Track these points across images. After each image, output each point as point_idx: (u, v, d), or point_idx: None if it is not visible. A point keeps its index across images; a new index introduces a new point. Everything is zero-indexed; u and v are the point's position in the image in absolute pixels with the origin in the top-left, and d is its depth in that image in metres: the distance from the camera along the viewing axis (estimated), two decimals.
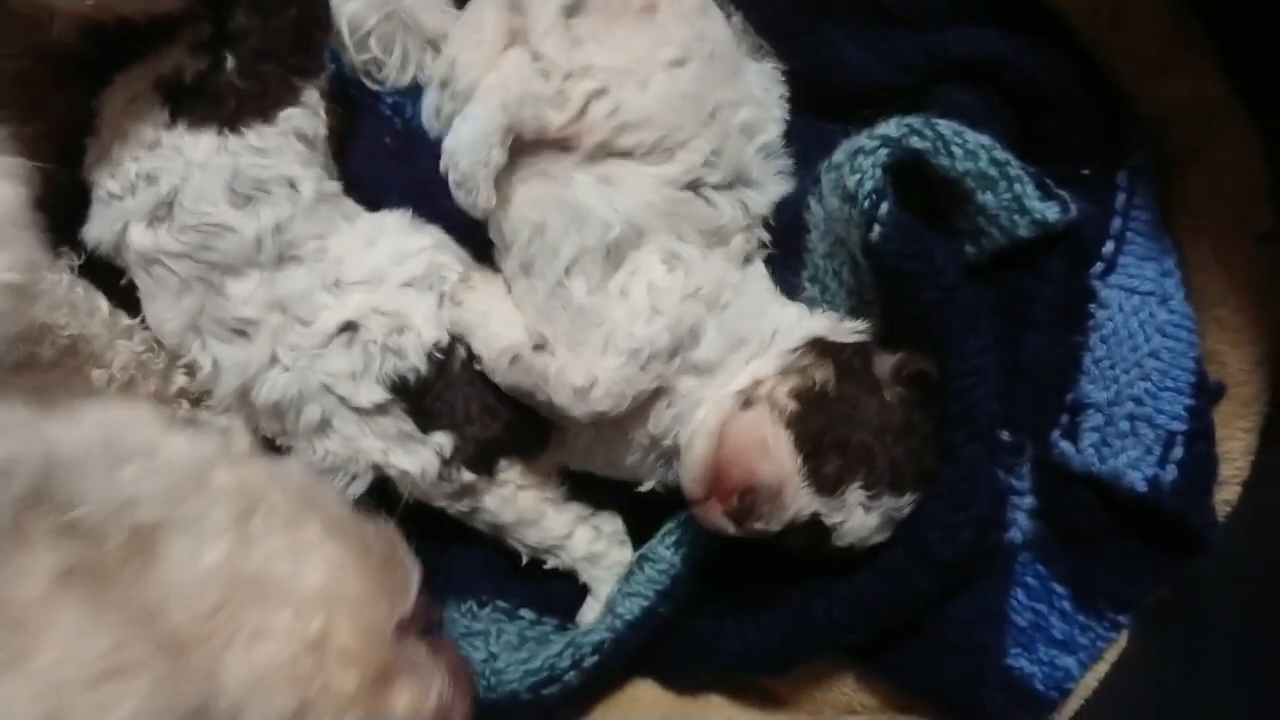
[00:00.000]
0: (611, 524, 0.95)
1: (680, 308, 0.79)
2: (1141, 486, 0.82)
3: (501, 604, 0.95)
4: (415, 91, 0.97)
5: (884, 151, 0.81)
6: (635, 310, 0.79)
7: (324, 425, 0.84)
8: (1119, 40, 0.86)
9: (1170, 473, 0.82)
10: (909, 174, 0.83)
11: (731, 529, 0.77)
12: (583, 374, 0.78)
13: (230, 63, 0.81)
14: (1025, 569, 0.89)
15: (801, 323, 0.84)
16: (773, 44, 0.91)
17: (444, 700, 0.56)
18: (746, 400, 0.78)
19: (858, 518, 0.77)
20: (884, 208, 0.80)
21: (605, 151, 0.80)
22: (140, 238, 0.80)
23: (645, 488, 0.88)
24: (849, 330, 0.83)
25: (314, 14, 0.86)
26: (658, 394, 0.81)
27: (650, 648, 0.93)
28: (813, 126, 0.91)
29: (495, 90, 0.78)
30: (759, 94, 0.88)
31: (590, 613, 0.95)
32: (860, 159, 0.82)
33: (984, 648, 0.86)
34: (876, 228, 0.81)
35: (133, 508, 0.45)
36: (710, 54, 0.84)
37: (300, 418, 0.83)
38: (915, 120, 0.82)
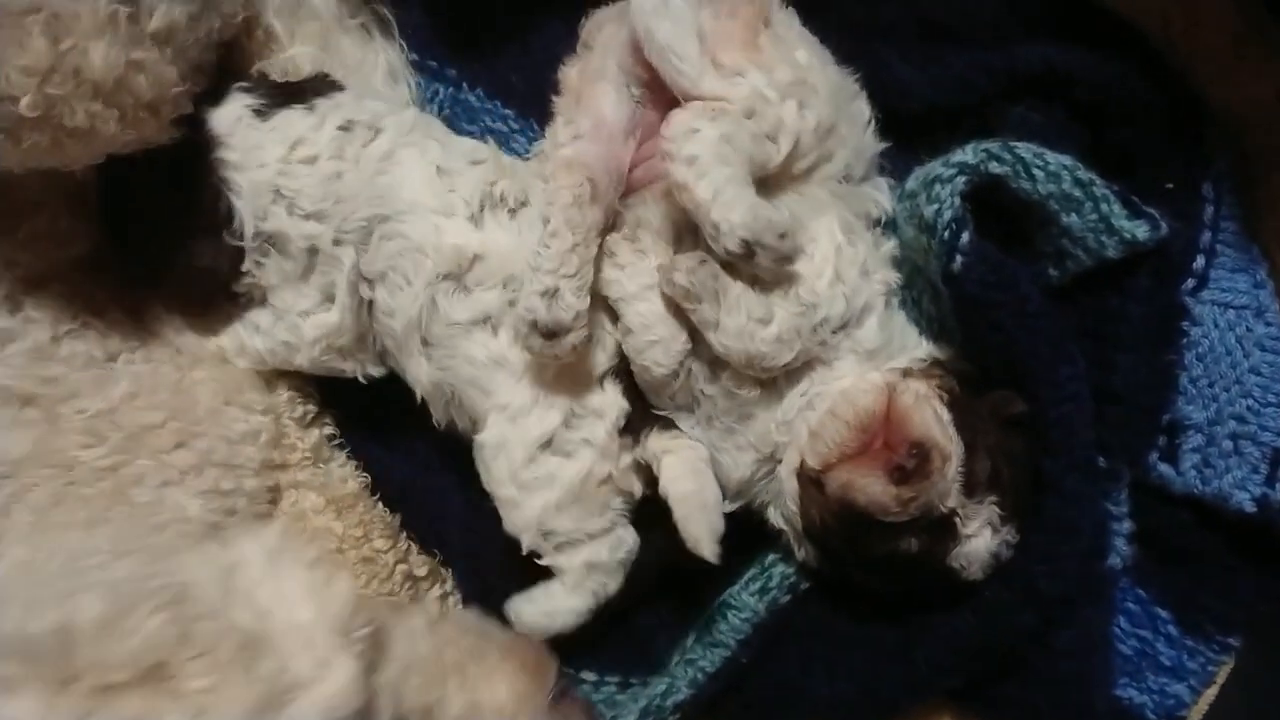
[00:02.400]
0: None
1: (858, 281, 0.77)
2: (1250, 507, 0.80)
3: (563, 670, 0.90)
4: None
5: (962, 179, 0.78)
6: (819, 268, 0.76)
7: None
8: (1193, 43, 0.83)
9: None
10: (984, 196, 0.80)
11: (880, 489, 0.71)
12: (762, 307, 0.75)
13: None
14: (1125, 594, 0.87)
15: (923, 344, 0.82)
16: None
17: None
18: (905, 371, 0.77)
19: (985, 536, 0.75)
20: (965, 237, 0.78)
21: (807, 173, 0.78)
22: None
23: (731, 507, 0.82)
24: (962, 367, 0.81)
25: None
26: (802, 371, 0.78)
27: (730, 696, 0.89)
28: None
29: (716, 144, 0.71)
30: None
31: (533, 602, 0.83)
32: (937, 188, 0.79)
33: (1091, 679, 0.83)
34: (959, 258, 0.78)
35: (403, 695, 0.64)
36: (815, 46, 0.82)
37: None
38: (993, 145, 0.79)
